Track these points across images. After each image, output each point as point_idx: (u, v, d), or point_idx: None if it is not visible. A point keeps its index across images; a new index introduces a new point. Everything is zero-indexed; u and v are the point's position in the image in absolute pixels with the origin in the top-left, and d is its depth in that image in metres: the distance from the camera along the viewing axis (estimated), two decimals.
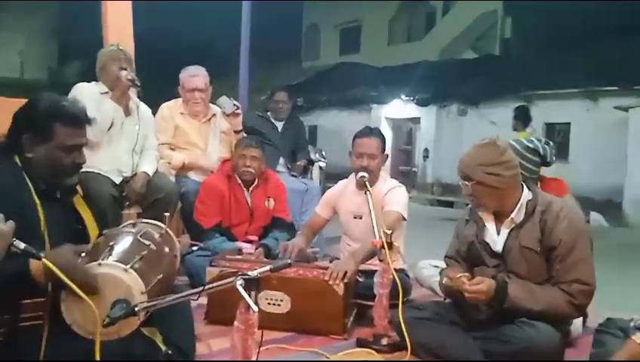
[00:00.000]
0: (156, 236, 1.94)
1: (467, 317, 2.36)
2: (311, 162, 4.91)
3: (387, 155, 3.18)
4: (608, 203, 10.88)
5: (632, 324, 1.97)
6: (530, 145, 2.86)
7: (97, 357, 1.52)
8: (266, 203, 3.53)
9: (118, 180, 3.34)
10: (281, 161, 4.58)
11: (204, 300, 2.76)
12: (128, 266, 1.61)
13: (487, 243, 2.36)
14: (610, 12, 12.25)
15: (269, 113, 4.78)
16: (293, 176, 4.50)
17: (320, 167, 5.23)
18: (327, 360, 2.42)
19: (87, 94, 3.22)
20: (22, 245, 1.51)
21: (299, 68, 22.03)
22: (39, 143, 1.82)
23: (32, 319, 1.69)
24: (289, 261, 1.78)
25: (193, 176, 3.87)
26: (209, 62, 4.38)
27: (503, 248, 2.31)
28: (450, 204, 12.33)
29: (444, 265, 2.60)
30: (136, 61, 3.59)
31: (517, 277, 2.26)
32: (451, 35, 18.15)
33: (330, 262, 2.97)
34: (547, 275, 2.25)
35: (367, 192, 2.80)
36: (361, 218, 3.11)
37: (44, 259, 1.52)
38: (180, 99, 4.00)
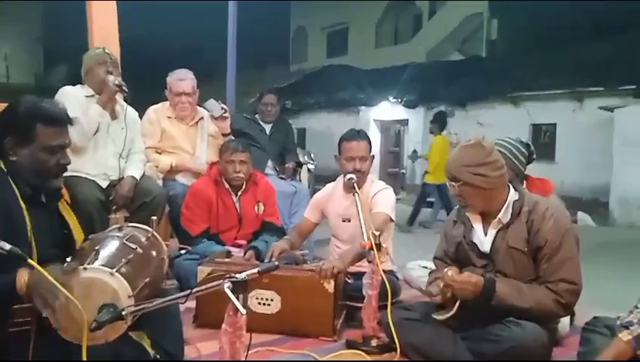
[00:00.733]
0: (143, 240, 1.93)
1: (456, 317, 2.37)
2: (299, 164, 4.90)
3: (373, 156, 3.19)
4: (595, 202, 10.98)
5: (618, 322, 1.98)
6: (520, 144, 2.87)
7: None
8: (256, 207, 3.52)
9: (104, 184, 3.31)
10: (270, 163, 4.57)
11: (192, 303, 2.75)
12: (114, 270, 1.61)
13: (475, 244, 2.38)
14: (595, 13, 12.39)
15: (257, 116, 4.77)
16: (281, 178, 4.49)
17: (309, 170, 5.23)
18: (316, 361, 2.42)
19: (73, 98, 3.20)
20: (7, 246, 1.50)
21: (287, 70, 22.05)
22: (22, 146, 1.80)
23: (19, 325, 1.67)
24: (276, 263, 1.77)
25: (181, 179, 3.85)
26: (196, 65, 4.37)
27: (491, 248, 2.33)
28: None
29: (433, 266, 2.61)
30: (123, 64, 3.57)
31: (505, 276, 2.28)
32: (438, 37, 18.28)
33: None
34: (534, 275, 2.27)
35: (356, 194, 2.80)
36: (349, 220, 3.12)
37: (30, 260, 1.51)
38: (167, 103, 3.98)
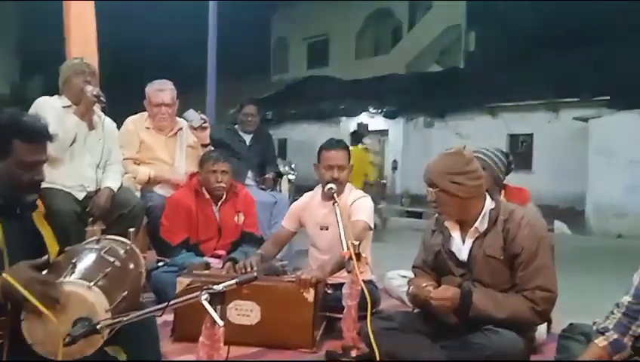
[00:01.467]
0: (121, 252, 1.90)
1: (435, 326, 2.38)
2: (279, 175, 4.90)
3: (352, 165, 3.21)
4: (571, 211, 11.16)
5: (594, 328, 2.01)
6: (500, 154, 2.91)
7: None
8: (236, 218, 3.50)
9: (81, 196, 3.27)
10: (250, 174, 4.56)
11: (170, 316, 2.72)
12: (92, 283, 1.58)
13: (453, 253, 2.39)
14: (570, 25, 12.67)
15: (236, 126, 4.76)
16: (262, 189, 4.48)
17: (289, 180, 5.23)
18: None
19: (50, 108, 3.16)
20: None
21: (267, 81, 22.09)
22: None
23: None
24: (255, 274, 1.76)
25: (159, 190, 3.82)
26: (176, 75, 4.35)
27: (468, 257, 2.34)
28: (419, 215, 12.46)
29: (413, 276, 2.62)
30: (101, 74, 3.54)
31: (482, 285, 2.29)
32: (417, 49, 18.50)
33: None
34: (511, 283, 2.29)
35: (335, 203, 2.81)
36: (327, 229, 3.12)
37: (4, 274, 1.48)
38: (145, 113, 3.94)
